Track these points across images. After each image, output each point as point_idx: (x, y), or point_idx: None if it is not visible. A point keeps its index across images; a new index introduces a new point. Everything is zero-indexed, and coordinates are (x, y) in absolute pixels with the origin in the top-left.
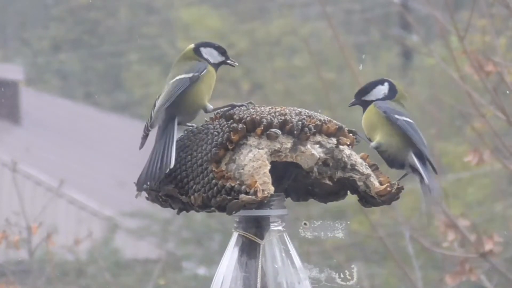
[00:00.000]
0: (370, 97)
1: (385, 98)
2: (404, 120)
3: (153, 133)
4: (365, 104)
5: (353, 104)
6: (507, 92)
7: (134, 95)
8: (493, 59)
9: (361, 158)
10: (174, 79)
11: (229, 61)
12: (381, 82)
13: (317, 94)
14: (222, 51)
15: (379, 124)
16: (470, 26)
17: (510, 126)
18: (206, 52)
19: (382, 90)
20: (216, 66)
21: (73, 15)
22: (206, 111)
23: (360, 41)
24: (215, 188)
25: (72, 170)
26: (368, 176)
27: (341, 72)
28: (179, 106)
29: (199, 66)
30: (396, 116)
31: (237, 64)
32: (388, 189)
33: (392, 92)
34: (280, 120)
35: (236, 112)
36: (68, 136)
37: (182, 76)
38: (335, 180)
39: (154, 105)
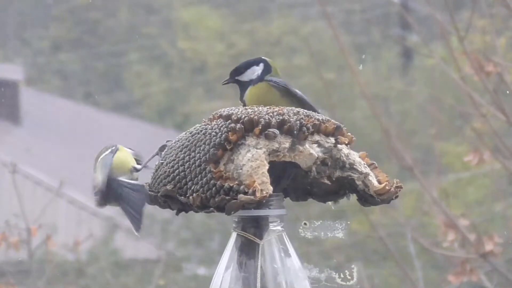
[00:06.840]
0: (243, 77)
1: (258, 78)
2: (300, 92)
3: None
4: (241, 84)
5: (227, 82)
6: (507, 92)
7: (134, 95)
8: (493, 59)
9: (360, 157)
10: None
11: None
12: (256, 62)
13: (317, 94)
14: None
15: (276, 100)
16: (470, 27)
17: (510, 126)
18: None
19: (256, 71)
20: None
21: (73, 15)
22: (136, 170)
23: (360, 41)
24: (213, 188)
25: (72, 170)
26: (366, 175)
27: (341, 72)
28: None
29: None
30: (296, 90)
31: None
32: (387, 187)
33: (266, 72)
34: (278, 120)
35: (234, 112)
36: (68, 136)
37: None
38: (334, 179)
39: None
